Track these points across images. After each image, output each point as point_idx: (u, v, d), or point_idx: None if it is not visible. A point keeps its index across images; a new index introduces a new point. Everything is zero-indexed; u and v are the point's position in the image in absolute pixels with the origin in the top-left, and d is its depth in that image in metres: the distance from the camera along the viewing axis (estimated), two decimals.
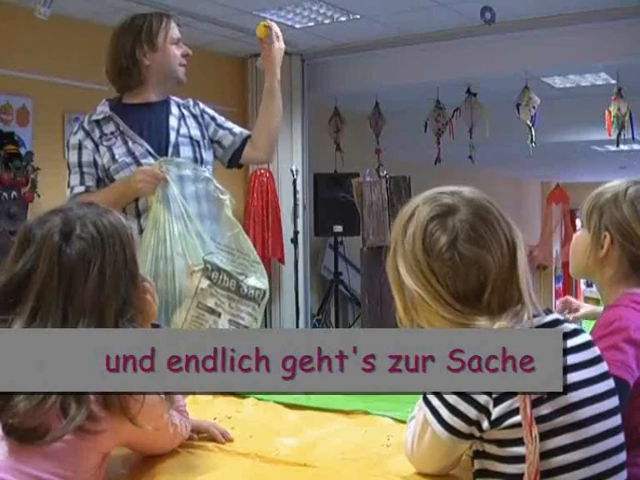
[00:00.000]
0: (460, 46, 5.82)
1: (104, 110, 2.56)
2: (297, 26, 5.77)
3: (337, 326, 7.97)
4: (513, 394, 1.18)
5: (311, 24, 5.72)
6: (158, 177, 2.38)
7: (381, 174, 5.60)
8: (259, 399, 1.90)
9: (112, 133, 2.51)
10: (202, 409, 1.77)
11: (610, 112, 5.75)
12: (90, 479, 1.29)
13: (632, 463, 1.35)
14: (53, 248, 1.29)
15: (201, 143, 2.61)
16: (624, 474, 1.29)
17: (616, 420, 1.29)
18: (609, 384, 1.31)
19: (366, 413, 1.74)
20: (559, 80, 6.61)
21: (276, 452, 1.49)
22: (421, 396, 1.29)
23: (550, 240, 10.73)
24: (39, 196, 4.87)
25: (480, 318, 1.24)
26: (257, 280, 2.47)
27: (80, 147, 2.53)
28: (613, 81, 6.05)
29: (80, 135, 2.54)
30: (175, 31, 2.58)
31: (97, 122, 2.54)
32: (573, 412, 1.22)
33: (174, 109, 2.61)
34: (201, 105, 2.72)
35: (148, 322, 1.44)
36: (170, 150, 2.51)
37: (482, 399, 1.20)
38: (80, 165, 2.53)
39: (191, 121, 2.63)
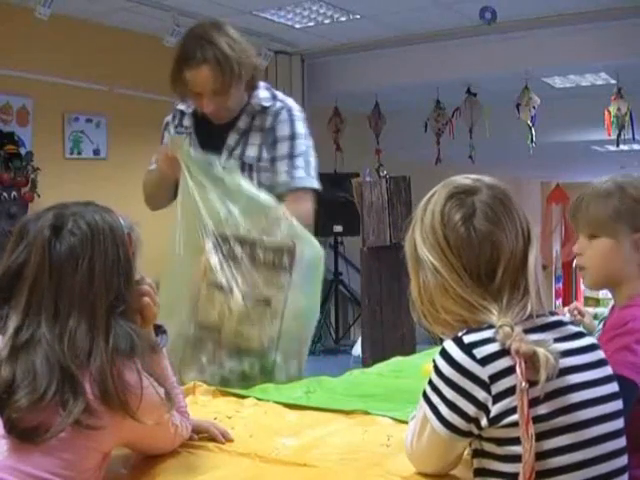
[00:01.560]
0: (460, 46, 5.83)
1: (190, 104, 2.49)
2: (297, 26, 5.77)
3: (337, 326, 7.97)
4: (512, 392, 1.18)
5: (311, 24, 5.73)
6: (167, 156, 2.30)
7: (381, 174, 5.61)
8: (259, 399, 1.89)
9: (186, 128, 2.49)
10: (202, 409, 1.77)
11: (610, 112, 5.76)
12: (90, 479, 1.29)
13: (636, 465, 1.34)
14: (44, 242, 1.30)
15: (254, 166, 2.39)
16: (625, 478, 1.27)
17: (618, 423, 1.28)
18: (613, 387, 1.29)
19: (366, 413, 1.74)
20: (559, 80, 6.61)
21: (276, 452, 1.48)
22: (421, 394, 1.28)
23: (550, 240, 10.75)
24: (39, 196, 4.87)
25: (490, 306, 1.25)
26: (281, 235, 2.25)
27: (166, 128, 2.55)
28: (613, 81, 6.06)
29: (169, 117, 2.56)
30: (193, 83, 2.29)
31: (181, 112, 2.52)
32: (573, 413, 1.22)
33: (242, 121, 2.42)
34: (282, 118, 2.42)
35: (149, 324, 1.44)
36: None
37: (481, 396, 1.19)
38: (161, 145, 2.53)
39: (254, 137, 2.42)
